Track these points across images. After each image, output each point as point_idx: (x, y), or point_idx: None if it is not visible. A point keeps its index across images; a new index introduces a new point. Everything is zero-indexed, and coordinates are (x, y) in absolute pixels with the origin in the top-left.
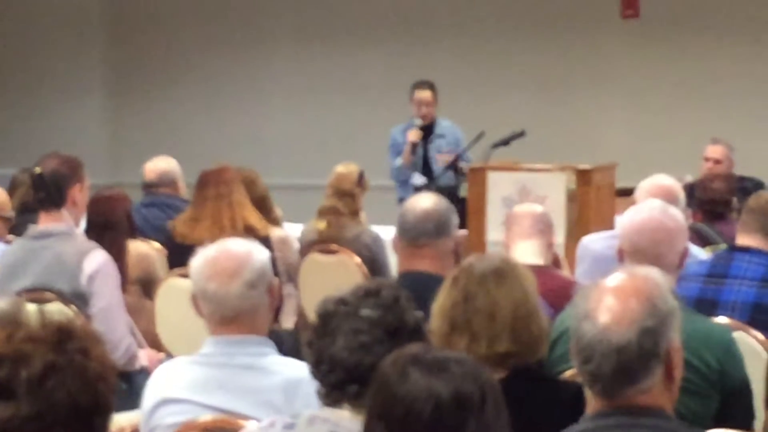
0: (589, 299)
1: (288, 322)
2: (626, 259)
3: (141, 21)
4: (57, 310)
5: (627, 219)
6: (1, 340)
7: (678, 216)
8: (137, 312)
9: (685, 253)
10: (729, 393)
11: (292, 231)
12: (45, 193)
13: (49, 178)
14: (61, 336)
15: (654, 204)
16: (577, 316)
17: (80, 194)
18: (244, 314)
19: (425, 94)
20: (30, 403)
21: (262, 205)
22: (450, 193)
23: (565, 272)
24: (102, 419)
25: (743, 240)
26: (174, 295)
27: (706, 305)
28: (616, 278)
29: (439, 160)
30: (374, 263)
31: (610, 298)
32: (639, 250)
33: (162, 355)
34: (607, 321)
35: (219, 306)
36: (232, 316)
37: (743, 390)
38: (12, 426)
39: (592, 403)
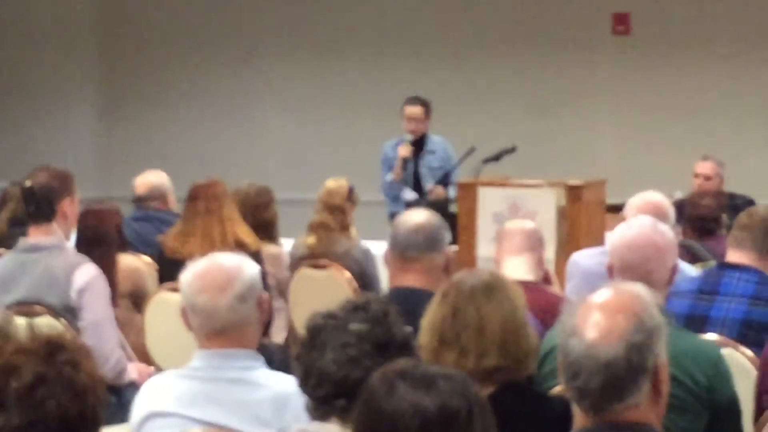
0: (576, 315)
1: (278, 336)
2: (616, 276)
3: (132, 35)
4: (46, 323)
5: (617, 235)
6: None
7: (668, 232)
8: (127, 326)
9: (674, 270)
10: (717, 410)
11: (284, 246)
12: (35, 206)
13: (39, 192)
14: (51, 348)
15: (644, 221)
16: (564, 332)
17: (70, 207)
18: (233, 327)
19: (415, 110)
20: (20, 413)
21: (267, 230)
22: (441, 209)
23: (555, 288)
24: (90, 431)
25: (734, 257)
26: (164, 309)
27: (696, 322)
28: (602, 294)
29: (433, 192)
30: (364, 278)
31: (597, 314)
32: (629, 267)
33: (151, 368)
34: (594, 337)
35: (208, 319)
36: (221, 329)
37: (732, 407)
38: None
39: (579, 418)
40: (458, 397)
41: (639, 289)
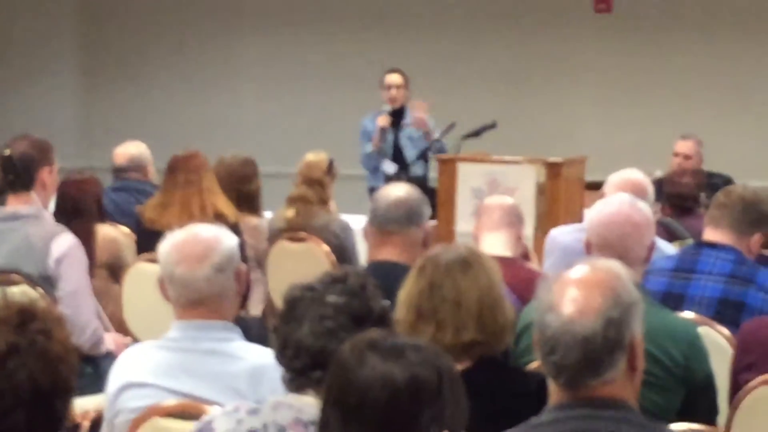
0: (553, 291)
1: (256, 309)
2: (593, 252)
3: (112, 5)
4: (21, 292)
5: (595, 212)
6: None
7: (646, 210)
8: (104, 296)
9: (652, 247)
10: (693, 387)
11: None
12: (14, 175)
13: (18, 161)
14: (23, 317)
15: (622, 198)
16: (540, 308)
17: (49, 177)
18: (210, 298)
19: (394, 78)
20: None
21: (250, 202)
22: (420, 183)
23: (534, 265)
24: (63, 401)
25: (711, 235)
26: (141, 280)
27: (673, 300)
28: (579, 270)
29: (415, 122)
30: (342, 252)
31: (573, 289)
32: (606, 244)
33: (128, 339)
34: (571, 312)
35: (185, 289)
36: (198, 299)
37: (707, 385)
38: None
39: (554, 394)
40: (428, 368)
41: (615, 265)
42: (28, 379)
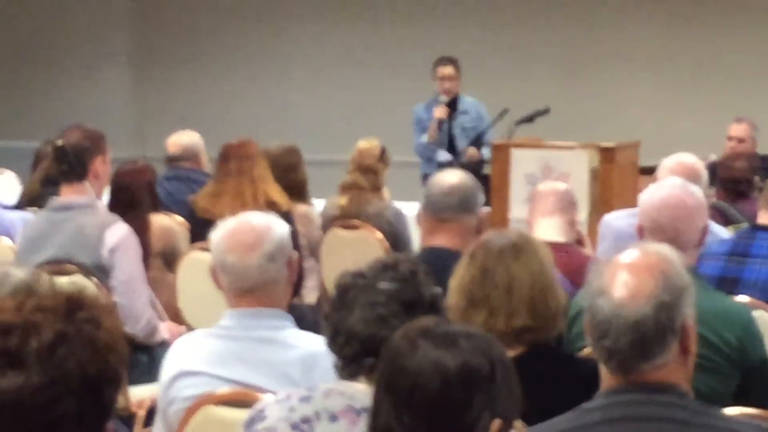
0: (604, 276)
1: (310, 297)
2: (646, 236)
3: None
4: (70, 281)
5: (647, 196)
6: (11, 309)
7: (698, 193)
8: (159, 285)
9: (705, 231)
10: (748, 371)
11: (315, 206)
12: (67, 165)
13: (71, 151)
14: (71, 306)
15: (674, 181)
16: (591, 292)
17: (102, 167)
18: (262, 286)
19: (447, 70)
20: (40, 372)
21: (298, 190)
22: (474, 170)
23: (587, 250)
24: (111, 390)
25: (765, 218)
26: (195, 268)
27: (727, 284)
28: (630, 254)
29: (467, 152)
30: (396, 239)
31: (624, 274)
32: (659, 228)
33: (183, 328)
34: (623, 296)
35: (237, 278)
36: (250, 288)
37: (762, 368)
38: (22, 395)
39: (606, 379)
40: (480, 356)
41: (666, 249)
42: (77, 367)
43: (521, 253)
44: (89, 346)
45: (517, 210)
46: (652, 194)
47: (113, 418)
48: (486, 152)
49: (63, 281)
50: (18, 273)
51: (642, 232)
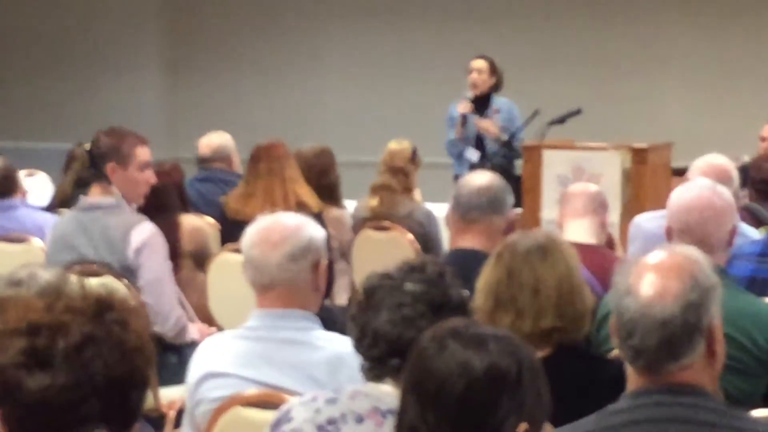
0: (631, 276)
1: (341, 298)
2: (674, 238)
3: None
4: (100, 283)
5: (675, 198)
6: (40, 309)
7: (726, 194)
8: (189, 285)
9: (734, 232)
10: None
11: (347, 208)
12: (95, 167)
13: (92, 153)
14: (100, 307)
15: (702, 182)
16: (618, 292)
17: (114, 174)
18: (281, 284)
19: (478, 63)
20: (67, 372)
21: (330, 192)
22: (504, 171)
23: (618, 252)
24: (138, 392)
25: None
26: (226, 270)
27: (759, 285)
28: (656, 255)
29: (482, 128)
30: (427, 240)
31: (651, 274)
32: (687, 229)
33: (213, 329)
34: (650, 295)
35: (257, 272)
36: (269, 284)
37: None
38: (48, 395)
39: (632, 380)
40: (508, 358)
41: (693, 250)
42: (104, 368)
43: (548, 254)
44: (117, 348)
45: (548, 211)
46: (680, 196)
47: (141, 419)
48: (516, 148)
49: (93, 282)
50: (45, 274)
51: (671, 234)
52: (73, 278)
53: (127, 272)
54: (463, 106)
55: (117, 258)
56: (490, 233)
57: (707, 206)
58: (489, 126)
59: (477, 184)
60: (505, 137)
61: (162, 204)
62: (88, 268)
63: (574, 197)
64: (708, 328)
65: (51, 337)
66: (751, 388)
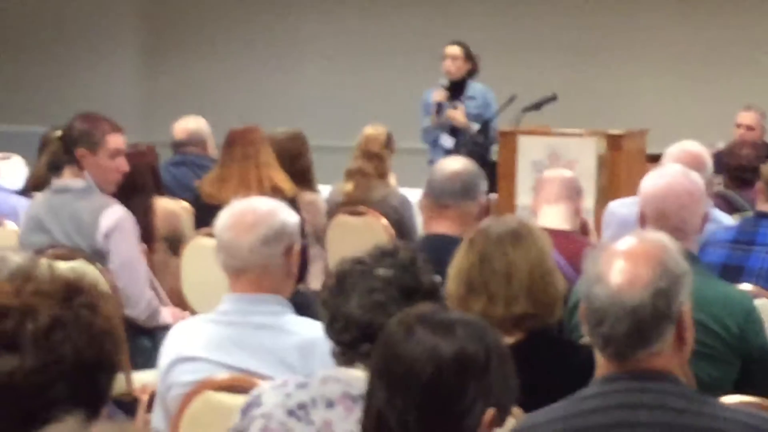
0: (600, 263)
1: (315, 283)
2: (649, 225)
3: None
4: (70, 266)
5: (648, 184)
6: (9, 293)
7: (698, 179)
8: (163, 270)
9: (706, 218)
10: (749, 359)
11: (321, 193)
12: (66, 151)
13: (63, 137)
14: (69, 291)
15: (673, 169)
16: (588, 280)
17: (85, 159)
18: (252, 269)
19: (452, 49)
20: (35, 355)
21: (303, 177)
22: (480, 157)
23: (592, 238)
24: (107, 376)
25: (765, 206)
26: (200, 254)
27: (732, 272)
28: (626, 242)
29: (451, 117)
30: (401, 225)
31: (621, 261)
32: (663, 216)
33: (186, 313)
34: (619, 283)
35: (228, 256)
36: (241, 268)
37: (763, 356)
38: (16, 378)
39: (601, 367)
40: (475, 343)
41: (663, 237)
42: (73, 352)
43: (520, 239)
44: (86, 331)
45: (523, 197)
46: (654, 183)
47: (110, 403)
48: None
49: (63, 266)
50: (15, 258)
51: (644, 221)
52: (43, 262)
53: (98, 256)
54: (437, 94)
55: (87, 242)
56: (463, 219)
57: (682, 193)
58: (458, 116)
59: (450, 170)
60: (475, 127)
61: (136, 185)
62: (61, 251)
63: (549, 183)
64: (677, 315)
65: (19, 320)
66: (722, 375)
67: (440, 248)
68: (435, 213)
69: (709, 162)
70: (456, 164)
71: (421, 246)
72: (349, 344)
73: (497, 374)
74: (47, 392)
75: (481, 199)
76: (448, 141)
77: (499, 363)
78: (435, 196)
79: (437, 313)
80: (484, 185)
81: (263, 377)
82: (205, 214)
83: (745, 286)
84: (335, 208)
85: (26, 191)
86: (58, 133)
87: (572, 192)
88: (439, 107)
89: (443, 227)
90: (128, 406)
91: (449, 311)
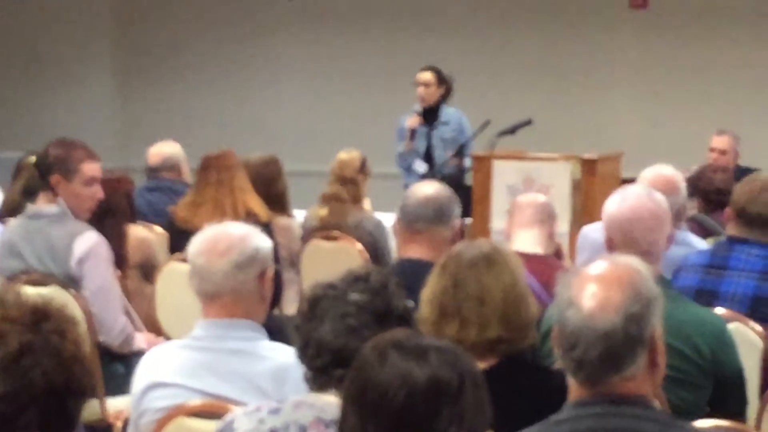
0: (572, 287)
1: (290, 308)
2: (617, 248)
3: (150, 4)
4: (38, 292)
5: (613, 209)
6: None
7: (662, 200)
8: (137, 296)
9: (671, 237)
10: (722, 381)
11: (296, 217)
12: (41, 177)
13: (37, 163)
14: (37, 317)
15: (637, 191)
16: (560, 304)
17: (61, 185)
18: (226, 294)
19: (424, 75)
20: (5, 382)
21: (278, 202)
22: (455, 181)
23: (566, 263)
24: (76, 401)
25: (734, 230)
26: (174, 279)
27: (705, 296)
28: (598, 266)
29: (448, 163)
30: (376, 250)
31: (593, 285)
32: (632, 241)
33: (161, 339)
34: (591, 307)
35: (202, 281)
36: (214, 292)
37: (735, 378)
38: None
39: (574, 391)
40: (449, 369)
41: (635, 261)
42: (42, 378)
43: (493, 264)
44: (54, 356)
45: (498, 221)
46: (619, 207)
47: (82, 428)
48: (467, 162)
49: (31, 292)
50: None
51: (612, 246)
52: (12, 288)
53: (72, 281)
54: (411, 120)
55: (61, 267)
56: (436, 243)
57: (648, 216)
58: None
59: (423, 195)
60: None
61: (110, 209)
62: (34, 277)
63: (523, 208)
64: (650, 339)
65: None
66: (695, 398)
67: (413, 273)
68: (408, 238)
69: (683, 186)
70: (429, 189)
71: (395, 271)
72: (322, 369)
73: (471, 400)
74: (18, 418)
75: (455, 223)
76: (421, 166)
77: (473, 389)
78: (408, 221)
79: (411, 338)
80: (457, 210)
81: (236, 403)
82: (179, 240)
83: (719, 311)
84: (310, 232)
85: (0, 216)
86: (33, 159)
87: (546, 216)
88: (413, 133)
89: (416, 252)
90: None
91: (423, 337)
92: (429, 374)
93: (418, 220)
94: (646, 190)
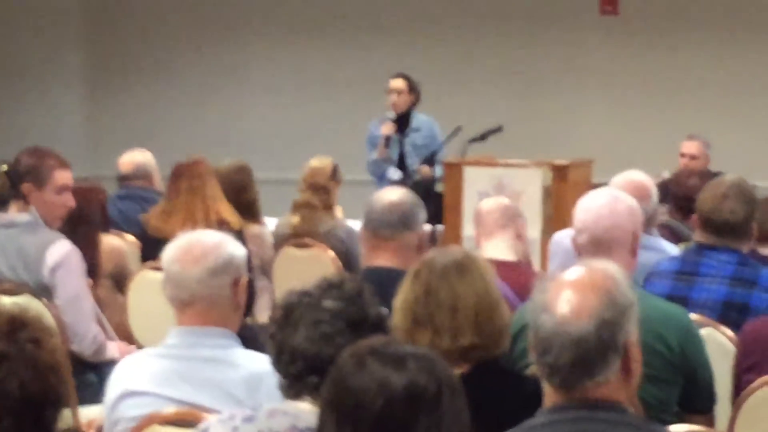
0: (547, 292)
1: (263, 316)
2: (585, 252)
3: (120, 12)
4: (13, 301)
5: (582, 212)
6: None
7: (629, 200)
8: (109, 306)
9: (637, 236)
10: (690, 373)
11: (268, 225)
12: (12, 186)
13: (10, 172)
14: (13, 326)
15: (602, 193)
16: (535, 309)
17: (33, 194)
18: (200, 301)
19: (395, 83)
20: None
21: (249, 209)
22: (426, 188)
23: (535, 267)
24: (52, 411)
25: (701, 237)
26: (146, 288)
27: (677, 302)
28: (574, 271)
29: (421, 171)
30: (348, 257)
31: (568, 291)
32: (600, 242)
33: (133, 347)
34: (565, 313)
35: (176, 288)
36: (188, 300)
37: (703, 371)
38: None
39: (549, 396)
40: (427, 376)
41: (610, 266)
42: (18, 387)
43: (465, 271)
44: (31, 365)
45: (470, 228)
46: (586, 210)
47: None
48: (439, 170)
49: (6, 301)
50: None
51: (580, 249)
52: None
53: (44, 291)
54: (386, 128)
55: (33, 276)
56: (403, 250)
57: (616, 217)
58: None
59: (388, 200)
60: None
61: (83, 218)
62: (6, 286)
63: (487, 215)
64: (623, 346)
65: None
66: (666, 396)
67: (381, 281)
68: (374, 245)
69: (654, 191)
70: (393, 195)
71: (364, 279)
72: (296, 377)
73: (448, 407)
74: None
75: (421, 229)
76: (395, 174)
77: (451, 396)
78: (373, 228)
79: (389, 345)
80: (423, 215)
81: (210, 411)
82: (151, 248)
83: (692, 317)
84: (282, 240)
85: None
86: (4, 167)
87: (509, 219)
88: (388, 140)
89: (383, 260)
90: None
91: (401, 344)
92: (407, 381)
93: (384, 227)
94: (612, 192)
